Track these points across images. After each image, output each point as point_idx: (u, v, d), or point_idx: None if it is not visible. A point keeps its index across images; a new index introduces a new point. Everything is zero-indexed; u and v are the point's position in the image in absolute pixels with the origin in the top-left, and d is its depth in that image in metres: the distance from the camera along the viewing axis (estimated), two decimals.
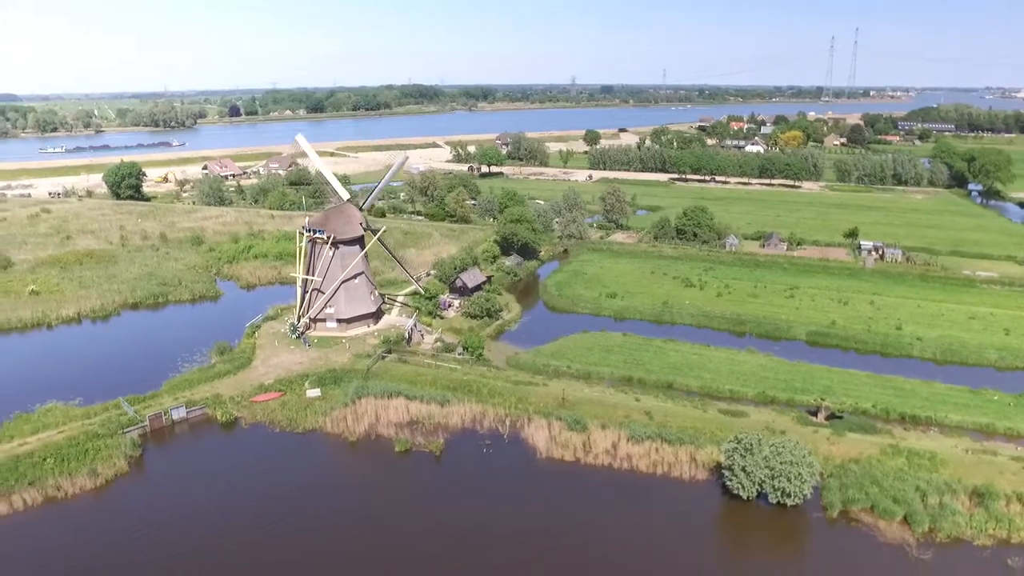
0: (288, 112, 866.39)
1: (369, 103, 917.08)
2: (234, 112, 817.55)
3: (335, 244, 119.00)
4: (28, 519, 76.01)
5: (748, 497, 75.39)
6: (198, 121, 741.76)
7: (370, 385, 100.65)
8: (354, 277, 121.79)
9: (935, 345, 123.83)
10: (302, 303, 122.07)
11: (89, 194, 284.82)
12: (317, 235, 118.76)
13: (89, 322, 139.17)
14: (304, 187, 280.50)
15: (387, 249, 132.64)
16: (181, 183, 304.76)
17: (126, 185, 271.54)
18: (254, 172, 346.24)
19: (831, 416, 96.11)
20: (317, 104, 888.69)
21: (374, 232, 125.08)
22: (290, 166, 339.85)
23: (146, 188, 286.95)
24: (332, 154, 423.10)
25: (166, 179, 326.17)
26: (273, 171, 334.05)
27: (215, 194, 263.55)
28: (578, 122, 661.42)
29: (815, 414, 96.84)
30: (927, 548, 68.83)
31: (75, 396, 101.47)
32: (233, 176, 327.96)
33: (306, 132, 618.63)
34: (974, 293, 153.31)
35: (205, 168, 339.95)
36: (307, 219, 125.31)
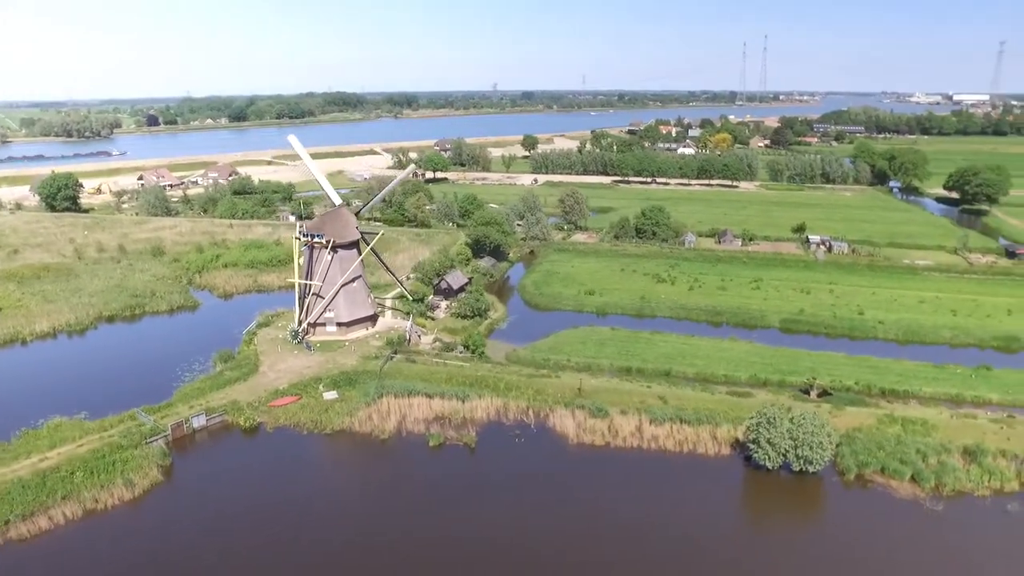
0: (209, 121, 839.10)
1: (293, 111, 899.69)
2: (152, 121, 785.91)
3: (334, 248, 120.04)
4: (72, 533, 74.75)
5: (773, 467, 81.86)
6: (114, 131, 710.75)
7: (388, 384, 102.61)
8: (352, 280, 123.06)
9: (896, 327, 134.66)
10: (301, 308, 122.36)
11: (18, 206, 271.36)
12: (316, 239, 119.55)
13: (65, 337, 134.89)
14: (249, 196, 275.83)
15: (377, 255, 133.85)
16: (118, 194, 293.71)
17: (62, 197, 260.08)
18: (192, 182, 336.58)
19: (823, 393, 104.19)
20: (239, 112, 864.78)
21: (367, 237, 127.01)
22: (230, 175, 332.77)
23: (81, 200, 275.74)
24: (269, 163, 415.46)
25: (99, 190, 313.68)
26: (213, 180, 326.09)
27: (161, 205, 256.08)
28: (505, 128, 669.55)
29: (807, 392, 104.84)
30: (937, 501, 76.97)
31: (78, 410, 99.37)
32: (171, 186, 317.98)
33: (230, 141, 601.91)
34: (918, 280, 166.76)
35: (141, 179, 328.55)
36: (299, 224, 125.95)
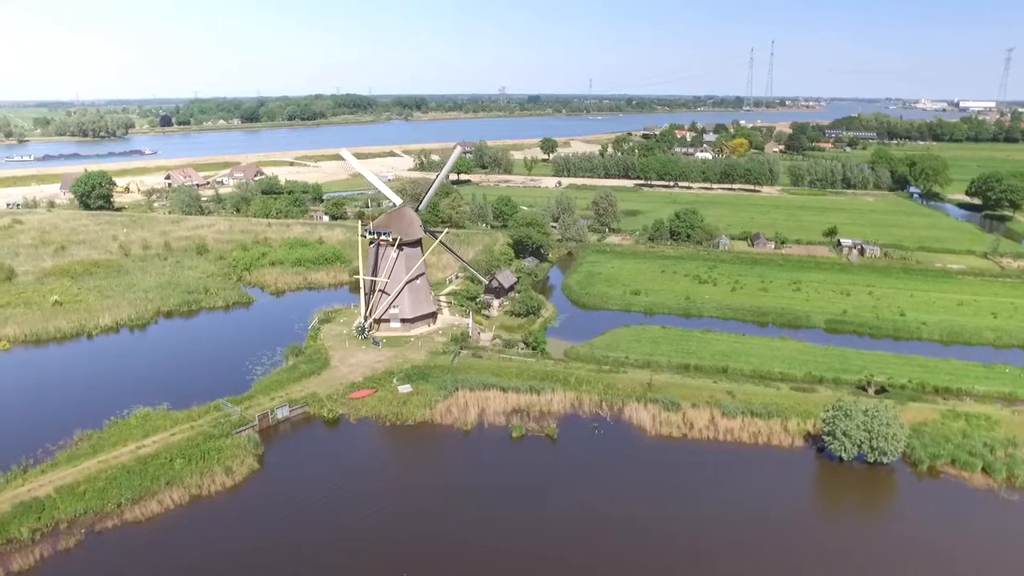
0: (222, 122, 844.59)
1: (304, 112, 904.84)
2: (165, 122, 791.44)
3: (400, 246, 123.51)
4: (181, 516, 77.67)
5: (848, 458, 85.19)
6: (128, 131, 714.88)
7: (462, 378, 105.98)
8: (416, 278, 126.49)
9: (939, 328, 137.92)
10: (367, 304, 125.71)
11: (52, 204, 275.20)
12: (383, 237, 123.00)
13: (127, 331, 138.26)
14: (278, 196, 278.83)
15: (448, 249, 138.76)
16: (148, 193, 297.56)
17: (96, 195, 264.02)
18: (218, 182, 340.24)
19: (880, 390, 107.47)
20: (251, 114, 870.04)
21: (435, 235, 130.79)
22: (256, 175, 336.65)
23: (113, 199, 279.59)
24: (291, 163, 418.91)
25: (128, 189, 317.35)
26: (239, 180, 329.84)
27: (194, 203, 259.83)
28: (516, 131, 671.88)
29: (864, 389, 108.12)
30: (1011, 492, 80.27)
31: (158, 401, 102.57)
32: (199, 185, 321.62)
33: (245, 142, 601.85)
34: (953, 283, 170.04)
35: (168, 178, 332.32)
36: (367, 222, 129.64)
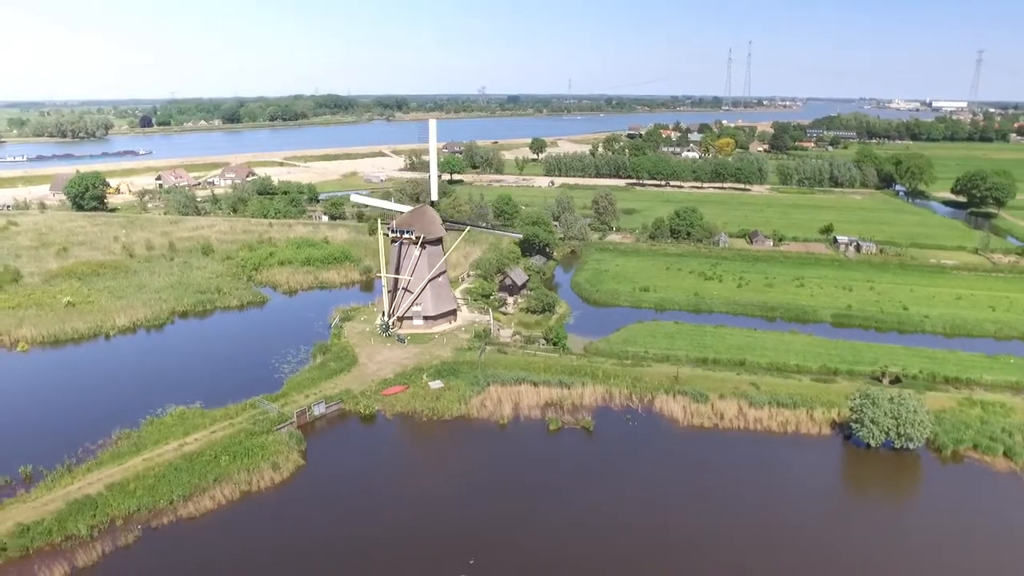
0: (203, 122, 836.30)
1: (285, 113, 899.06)
2: (145, 123, 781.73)
3: (423, 244, 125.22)
4: (238, 512, 78.68)
5: (875, 444, 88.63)
6: (108, 132, 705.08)
7: (492, 373, 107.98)
8: (438, 276, 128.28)
9: (941, 321, 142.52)
10: (390, 302, 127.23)
11: (43, 206, 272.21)
12: (406, 235, 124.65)
13: (144, 331, 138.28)
14: (272, 196, 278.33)
15: (484, 228, 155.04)
16: (141, 194, 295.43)
17: (90, 196, 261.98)
18: (208, 182, 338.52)
19: (894, 381, 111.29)
20: (232, 114, 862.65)
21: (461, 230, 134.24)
22: (248, 176, 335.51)
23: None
24: (281, 164, 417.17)
25: (118, 190, 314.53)
26: (232, 181, 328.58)
27: (191, 204, 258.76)
28: (498, 131, 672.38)
29: (879, 380, 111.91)
30: None
31: (190, 400, 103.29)
32: (191, 186, 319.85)
33: (228, 143, 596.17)
34: (949, 278, 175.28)
35: (159, 179, 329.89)
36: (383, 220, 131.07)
